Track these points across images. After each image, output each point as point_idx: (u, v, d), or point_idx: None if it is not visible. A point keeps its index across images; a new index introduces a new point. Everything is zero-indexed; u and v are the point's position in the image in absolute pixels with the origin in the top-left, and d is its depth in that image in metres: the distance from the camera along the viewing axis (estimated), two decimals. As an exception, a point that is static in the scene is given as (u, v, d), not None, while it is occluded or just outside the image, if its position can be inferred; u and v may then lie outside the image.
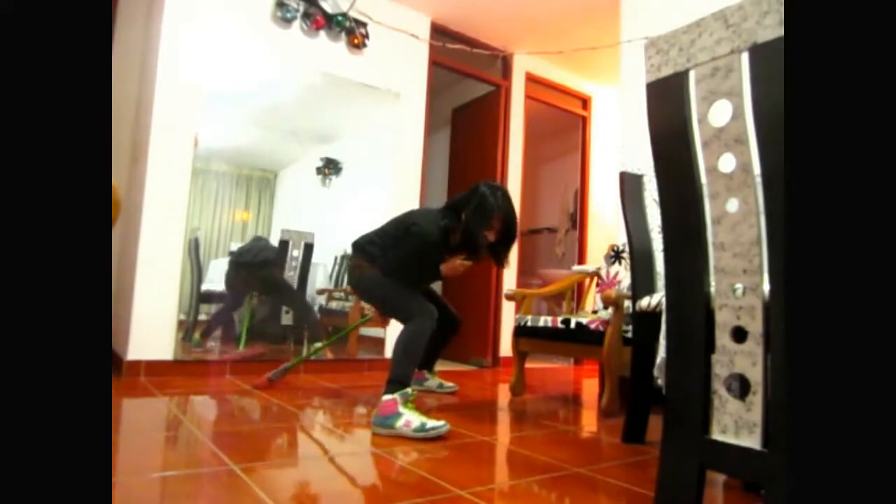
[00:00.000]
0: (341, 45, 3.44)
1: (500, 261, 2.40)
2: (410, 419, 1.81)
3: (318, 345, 3.12)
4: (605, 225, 4.72)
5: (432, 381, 2.74)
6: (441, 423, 1.81)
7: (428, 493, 1.27)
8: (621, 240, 2.82)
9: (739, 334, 0.92)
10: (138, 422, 1.92)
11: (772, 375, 0.87)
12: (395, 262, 2.25)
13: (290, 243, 3.29)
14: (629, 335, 2.26)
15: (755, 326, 0.90)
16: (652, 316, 1.75)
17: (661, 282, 1.91)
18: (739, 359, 0.92)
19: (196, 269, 2.98)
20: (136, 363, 2.72)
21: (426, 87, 3.81)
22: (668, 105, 1.01)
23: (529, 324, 2.71)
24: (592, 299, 3.14)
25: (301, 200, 3.42)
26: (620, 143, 3.12)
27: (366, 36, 3.49)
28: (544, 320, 2.64)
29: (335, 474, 1.46)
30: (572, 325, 2.50)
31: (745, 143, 0.91)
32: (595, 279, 3.02)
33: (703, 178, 0.98)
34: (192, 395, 2.40)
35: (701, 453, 0.95)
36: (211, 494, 1.23)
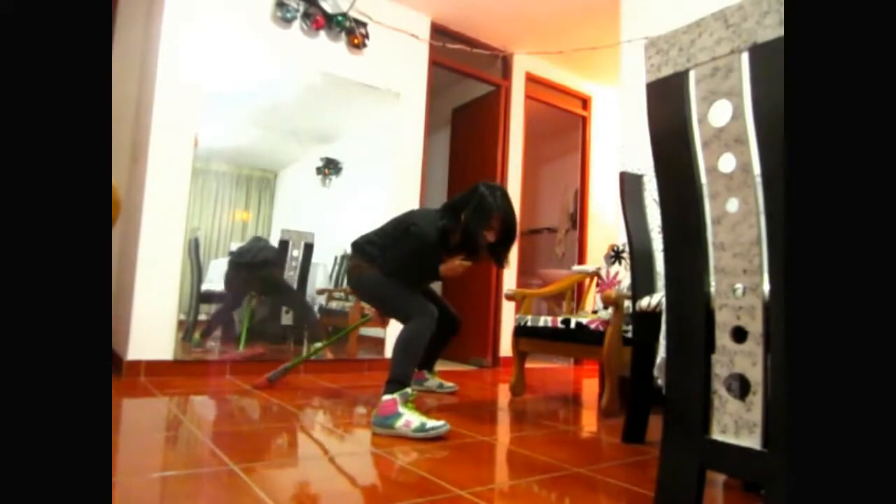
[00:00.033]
0: (341, 45, 3.44)
1: (500, 261, 2.40)
2: (410, 419, 1.81)
3: (318, 345, 3.12)
4: (605, 225, 4.72)
5: (432, 381, 2.74)
6: (441, 423, 1.81)
7: (428, 493, 1.27)
8: (621, 240, 2.82)
9: (739, 334, 0.92)
10: (138, 422, 1.92)
11: (772, 375, 0.87)
12: (394, 262, 2.25)
13: (290, 243, 3.29)
14: (629, 335, 2.26)
15: (755, 326, 0.90)
16: (652, 316, 1.75)
17: (661, 282, 1.91)
18: (739, 359, 0.92)
19: (196, 269, 2.98)
20: (136, 363, 2.72)
21: (426, 87, 3.81)
22: (668, 105, 1.01)
23: (529, 324, 2.71)
24: (592, 299, 3.14)
25: (301, 200, 3.42)
26: (620, 143, 3.12)
27: (366, 36, 3.49)
28: (544, 320, 2.64)
29: (335, 474, 1.46)
30: (572, 325, 2.50)
31: (745, 143, 0.91)
32: (595, 279, 3.02)
33: (703, 178, 0.98)
34: (192, 395, 2.40)
35: (701, 453, 0.95)
36: (211, 494, 1.23)
